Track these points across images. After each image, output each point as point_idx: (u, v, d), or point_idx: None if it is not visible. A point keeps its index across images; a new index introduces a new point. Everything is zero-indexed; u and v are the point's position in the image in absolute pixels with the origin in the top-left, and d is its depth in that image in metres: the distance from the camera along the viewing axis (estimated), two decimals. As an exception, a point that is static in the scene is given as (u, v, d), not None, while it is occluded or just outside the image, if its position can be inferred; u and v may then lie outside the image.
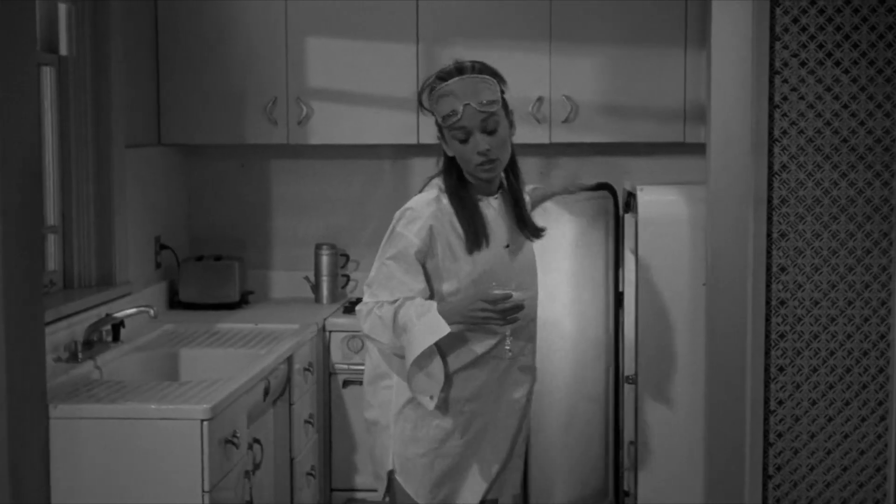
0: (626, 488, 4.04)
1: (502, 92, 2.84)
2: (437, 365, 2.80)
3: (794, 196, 3.12)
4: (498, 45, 4.32)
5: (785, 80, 3.10)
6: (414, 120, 4.25)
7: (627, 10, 4.31)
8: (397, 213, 2.86)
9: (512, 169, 2.94)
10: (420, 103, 2.87)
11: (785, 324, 3.24)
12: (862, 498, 3.31)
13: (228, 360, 3.60)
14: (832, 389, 3.28)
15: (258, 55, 4.40)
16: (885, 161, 3.15)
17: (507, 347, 2.85)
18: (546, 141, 4.39)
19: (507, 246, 2.89)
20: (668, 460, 3.88)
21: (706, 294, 3.40)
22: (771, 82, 3.08)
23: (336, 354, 4.19)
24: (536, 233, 2.96)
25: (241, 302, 4.52)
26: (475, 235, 2.82)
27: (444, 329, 2.74)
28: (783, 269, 3.20)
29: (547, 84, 4.40)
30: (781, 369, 3.26)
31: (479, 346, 2.86)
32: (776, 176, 3.09)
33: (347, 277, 4.73)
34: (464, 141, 2.79)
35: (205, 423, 2.85)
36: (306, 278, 4.65)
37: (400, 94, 4.36)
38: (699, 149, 3.75)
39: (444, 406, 2.84)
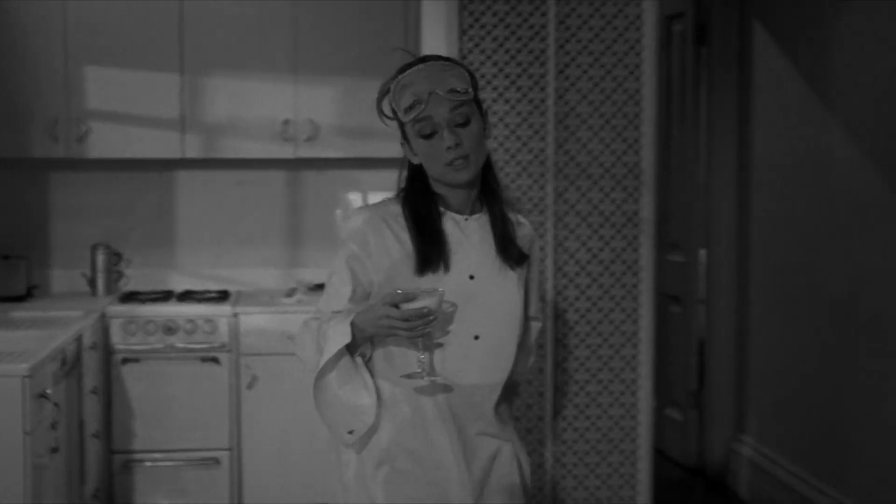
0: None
1: (474, 87, 2.43)
2: (358, 390, 2.41)
3: None
4: (250, 74, 5.14)
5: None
6: (178, 137, 5.04)
7: (358, 44, 5.20)
8: (339, 213, 2.58)
9: (490, 178, 2.51)
10: (379, 110, 2.46)
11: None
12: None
13: (29, 339, 4.28)
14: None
15: (42, 80, 5.05)
16: (539, 170, 4.13)
17: (419, 369, 2.37)
18: (292, 156, 5.23)
19: (472, 277, 2.44)
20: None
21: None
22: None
23: (115, 337, 4.90)
24: (521, 258, 2.50)
25: (28, 295, 5.18)
26: (425, 255, 2.39)
27: (344, 338, 2.34)
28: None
29: (292, 108, 5.24)
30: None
31: (402, 366, 2.42)
32: None
33: (120, 273, 5.44)
34: (429, 136, 2.37)
35: (26, 379, 3.56)
36: (83, 274, 5.34)
37: (166, 115, 5.11)
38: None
39: (378, 460, 2.45)
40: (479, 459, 2.49)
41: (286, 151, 5.21)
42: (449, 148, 2.36)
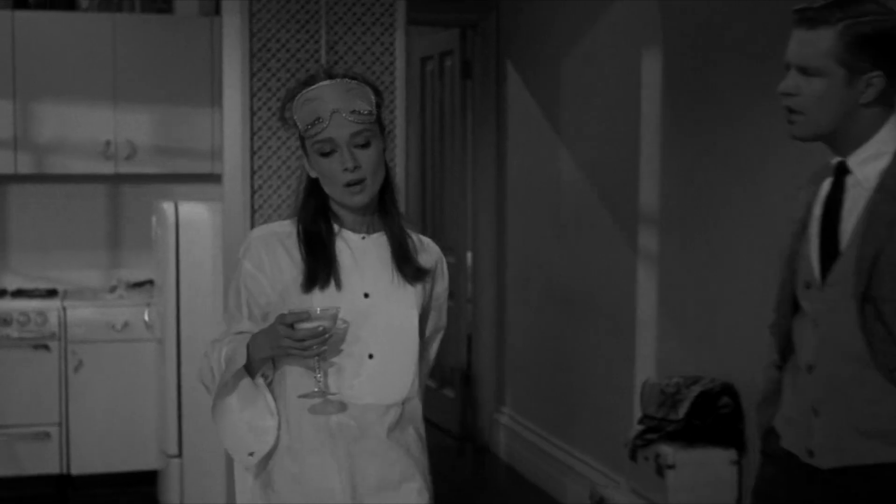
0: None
1: (378, 105, 2.42)
2: (260, 411, 2.40)
3: (268, 205, 4.95)
4: (75, 100, 5.92)
5: (260, 129, 4.88)
6: (11, 155, 5.81)
7: (170, 73, 6.04)
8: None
9: (387, 199, 2.47)
10: (282, 115, 2.45)
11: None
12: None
13: None
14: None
15: None
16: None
17: (315, 388, 2.35)
18: (112, 172, 6.05)
19: (367, 295, 2.43)
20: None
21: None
22: (253, 133, 4.86)
23: (-44, 328, 5.65)
24: (419, 275, 2.48)
25: None
26: (312, 270, 2.38)
27: (240, 360, 2.34)
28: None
29: (112, 130, 6.05)
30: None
31: (300, 386, 2.40)
32: (256, 192, 4.90)
33: (-43, 275, 6.17)
34: (328, 154, 2.36)
35: None
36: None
37: (0, 136, 5.88)
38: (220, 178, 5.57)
39: (268, 482, 2.45)
40: (367, 480, 2.43)
41: (107, 168, 6.02)
42: (346, 170, 2.34)
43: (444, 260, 2.62)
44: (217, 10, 5.63)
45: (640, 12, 4.87)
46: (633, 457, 4.26)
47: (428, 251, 2.56)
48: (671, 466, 4.01)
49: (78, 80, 5.96)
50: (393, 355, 2.45)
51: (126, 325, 5.77)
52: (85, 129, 5.97)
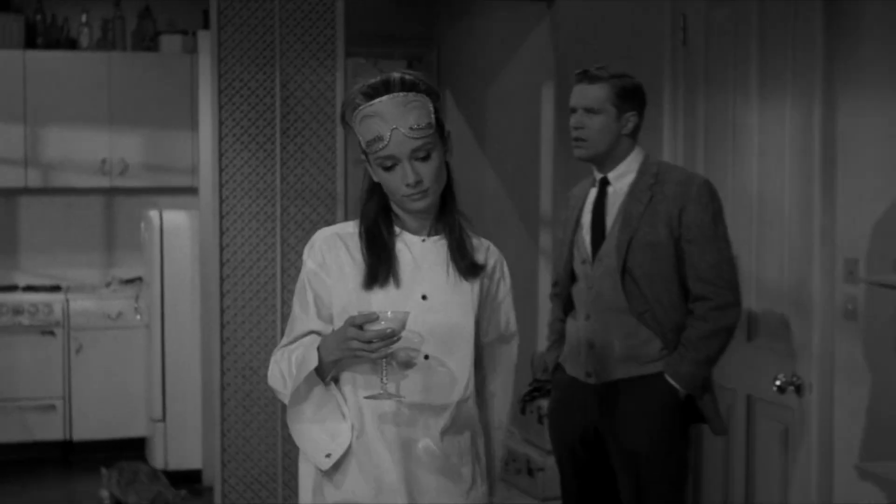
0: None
1: (436, 111, 2.39)
2: (333, 414, 2.42)
3: (234, 212, 5.98)
4: (77, 124, 6.99)
5: (227, 151, 5.93)
6: (22, 171, 6.90)
7: (158, 99, 7.09)
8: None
9: (448, 201, 2.47)
10: (343, 119, 2.45)
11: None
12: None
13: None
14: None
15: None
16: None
17: (381, 390, 2.36)
18: (108, 185, 7.11)
19: (425, 297, 2.43)
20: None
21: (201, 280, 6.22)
22: (220, 154, 5.91)
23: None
24: (473, 270, 2.47)
25: None
26: (372, 269, 2.40)
27: (311, 363, 2.36)
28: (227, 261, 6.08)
29: (108, 149, 7.11)
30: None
31: (366, 388, 2.41)
32: (223, 202, 5.93)
33: (-24, 273, 7.25)
34: (390, 168, 2.36)
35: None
36: (-52, 274, 7.13)
37: (13, 156, 6.93)
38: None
39: (336, 482, 2.44)
40: (420, 481, 2.43)
41: (103, 182, 7.08)
42: (408, 185, 2.34)
43: (504, 262, 2.60)
44: (196, 49, 6.69)
45: (540, 55, 5.94)
46: (522, 411, 5.32)
47: (488, 252, 2.55)
48: (546, 415, 5.07)
49: (79, 107, 7.01)
50: (448, 357, 2.43)
51: (119, 314, 6.85)
52: (84, 149, 7.03)
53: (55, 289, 7.06)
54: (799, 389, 3.74)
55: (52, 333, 6.77)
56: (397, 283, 2.41)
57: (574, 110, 3.51)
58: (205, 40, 5.93)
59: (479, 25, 6.89)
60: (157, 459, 6.37)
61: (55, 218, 7.37)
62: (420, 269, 2.44)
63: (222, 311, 5.58)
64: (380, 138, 2.34)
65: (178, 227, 6.42)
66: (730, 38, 4.17)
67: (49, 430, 6.78)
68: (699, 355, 3.38)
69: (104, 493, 5.79)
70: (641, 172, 3.47)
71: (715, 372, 3.60)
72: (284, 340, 2.48)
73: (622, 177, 3.48)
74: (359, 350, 2.29)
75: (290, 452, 5.52)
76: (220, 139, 5.66)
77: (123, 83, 7.06)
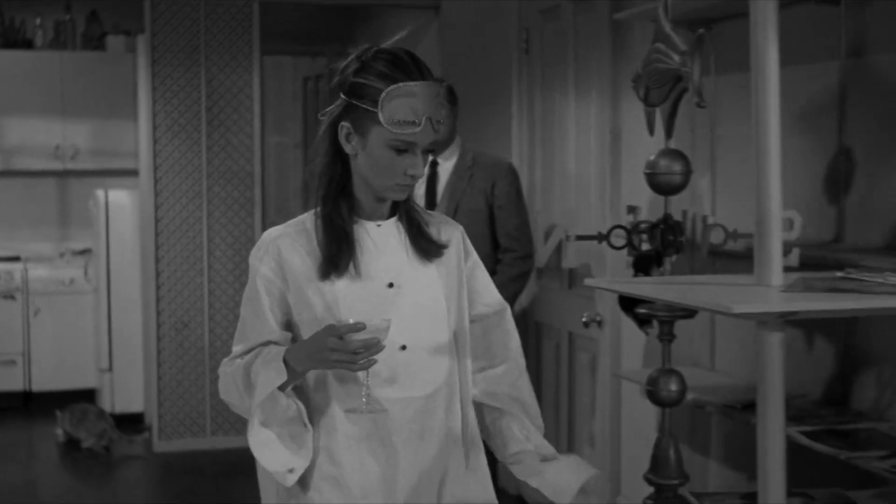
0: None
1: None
2: (296, 427, 2.22)
3: (166, 191, 6.94)
4: (36, 115, 7.91)
5: (160, 138, 6.87)
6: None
7: (107, 97, 8.04)
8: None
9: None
10: (340, 82, 2.22)
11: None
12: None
13: None
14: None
15: None
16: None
17: (364, 399, 2.21)
18: (61, 168, 8.07)
19: (391, 285, 2.27)
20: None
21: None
22: (155, 141, 6.86)
23: (-55, 284, 7.67)
24: (436, 249, 2.32)
25: None
26: (332, 258, 2.23)
27: (279, 376, 2.16)
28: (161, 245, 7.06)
29: (61, 137, 8.05)
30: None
31: (345, 399, 2.25)
32: (157, 183, 6.88)
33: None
34: (401, 151, 2.19)
35: None
36: (-80, 247, 8.08)
37: (-23, 142, 7.89)
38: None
39: (304, 485, 2.26)
40: (407, 475, 2.28)
41: (57, 165, 8.05)
42: (412, 175, 2.20)
43: (465, 234, 2.46)
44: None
45: (431, 54, 6.95)
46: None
47: (447, 225, 2.42)
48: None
49: (35, 100, 7.94)
50: (425, 343, 2.30)
51: (72, 280, 7.82)
52: (40, 136, 7.98)
53: (15, 259, 7.99)
54: (600, 324, 4.79)
55: (12, 298, 7.71)
56: (358, 272, 2.26)
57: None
58: (142, 43, 6.91)
59: (383, 26, 7.90)
60: (106, 405, 7.28)
61: (15, 197, 8.32)
62: (382, 255, 2.29)
63: (157, 275, 6.59)
64: (413, 123, 2.17)
65: (121, 204, 7.35)
66: (557, 48, 5.20)
67: (11, 382, 7.73)
68: (507, 293, 4.43)
69: (59, 431, 6.78)
70: (461, 156, 4.52)
71: (544, 315, 4.61)
72: (237, 350, 2.31)
73: (448, 159, 4.53)
74: (338, 362, 2.13)
75: (217, 393, 6.56)
76: (155, 128, 6.65)
77: (74, 78, 7.97)
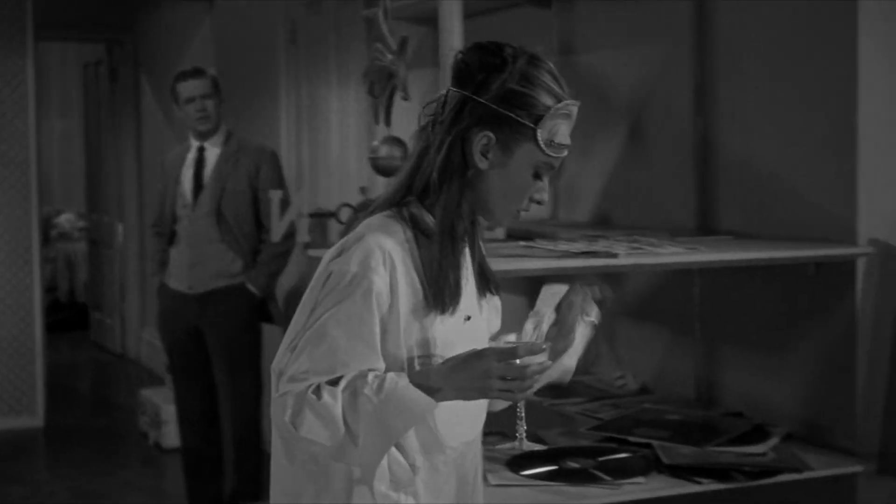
0: None
1: None
2: (396, 461, 1.92)
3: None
4: None
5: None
6: None
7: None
8: (333, 250, 1.94)
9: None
10: (483, 85, 1.90)
11: None
12: None
13: None
14: None
15: None
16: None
17: (519, 434, 2.11)
18: None
19: (468, 318, 1.99)
20: None
21: None
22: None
23: None
24: (495, 288, 2.06)
25: None
26: (447, 288, 1.90)
27: (427, 405, 1.82)
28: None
29: None
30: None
31: (451, 436, 1.98)
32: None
33: None
34: (537, 177, 1.93)
35: None
36: None
37: None
38: None
39: None
40: None
41: None
42: (538, 200, 1.96)
43: None
44: None
45: (204, 46, 7.19)
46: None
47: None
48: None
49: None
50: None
51: None
52: None
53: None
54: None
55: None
56: (455, 306, 1.95)
57: (192, 100, 4.79)
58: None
59: (163, 17, 8.09)
60: None
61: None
62: (467, 284, 1.99)
63: None
64: (567, 146, 1.94)
65: None
66: (320, 40, 5.54)
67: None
68: (270, 269, 4.78)
69: None
70: (226, 143, 4.82)
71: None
72: (322, 376, 1.85)
73: (214, 145, 4.82)
74: (504, 391, 1.83)
75: (28, 366, 6.67)
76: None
77: None
